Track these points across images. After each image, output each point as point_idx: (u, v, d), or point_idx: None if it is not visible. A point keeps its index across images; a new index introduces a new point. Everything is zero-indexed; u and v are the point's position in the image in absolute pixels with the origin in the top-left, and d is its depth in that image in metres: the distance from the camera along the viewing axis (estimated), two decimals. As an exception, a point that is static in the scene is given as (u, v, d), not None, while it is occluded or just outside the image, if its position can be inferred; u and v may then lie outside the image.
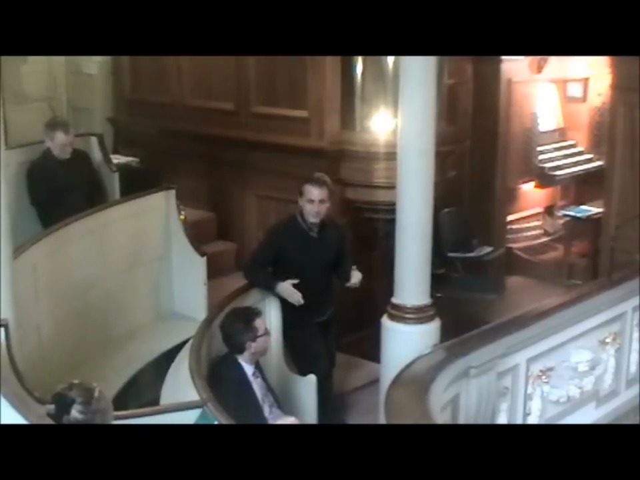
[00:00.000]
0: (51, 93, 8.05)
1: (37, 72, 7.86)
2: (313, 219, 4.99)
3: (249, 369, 4.33)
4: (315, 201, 4.94)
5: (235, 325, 4.33)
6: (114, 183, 6.32)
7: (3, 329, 3.69)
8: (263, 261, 5.05)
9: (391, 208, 5.14)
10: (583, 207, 7.95)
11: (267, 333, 4.42)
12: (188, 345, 4.48)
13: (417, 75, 4.75)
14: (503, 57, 7.49)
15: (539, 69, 7.98)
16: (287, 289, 4.91)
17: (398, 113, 4.94)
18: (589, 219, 7.66)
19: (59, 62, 8.01)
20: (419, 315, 4.93)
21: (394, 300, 4.99)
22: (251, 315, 4.38)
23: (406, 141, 4.87)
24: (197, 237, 6.11)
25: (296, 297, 4.90)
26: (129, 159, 7.24)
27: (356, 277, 5.09)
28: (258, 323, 4.35)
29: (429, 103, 4.81)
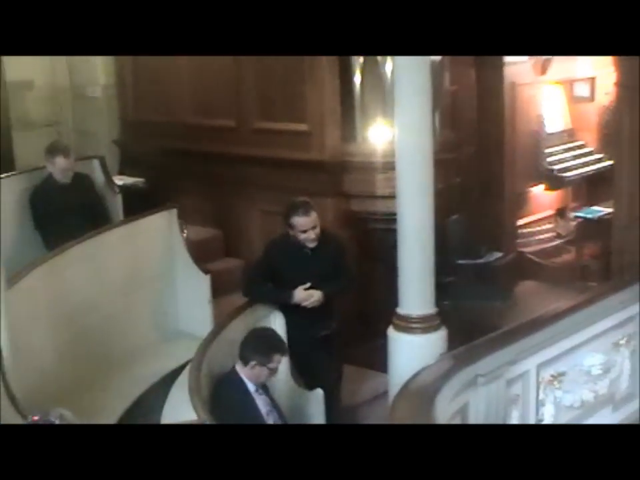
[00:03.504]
0: (57, 118, 8.09)
1: (42, 98, 7.93)
2: (311, 245, 4.95)
3: (251, 386, 4.31)
4: (307, 230, 4.91)
5: (261, 344, 4.33)
6: (117, 205, 6.33)
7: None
8: (263, 276, 5.01)
9: (395, 218, 5.08)
10: (595, 208, 7.86)
11: (274, 372, 4.39)
12: (190, 365, 4.44)
13: (411, 83, 4.72)
14: (506, 60, 7.42)
15: (544, 71, 7.88)
16: (304, 293, 4.87)
17: (394, 123, 4.90)
18: (601, 220, 7.56)
19: (63, 87, 8.06)
20: (424, 325, 4.88)
21: (399, 310, 4.94)
22: (279, 347, 4.38)
23: (404, 151, 4.83)
24: (205, 255, 6.10)
25: (315, 297, 4.87)
26: (135, 179, 7.27)
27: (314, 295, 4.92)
28: (277, 357, 4.34)
29: (424, 111, 4.76)
